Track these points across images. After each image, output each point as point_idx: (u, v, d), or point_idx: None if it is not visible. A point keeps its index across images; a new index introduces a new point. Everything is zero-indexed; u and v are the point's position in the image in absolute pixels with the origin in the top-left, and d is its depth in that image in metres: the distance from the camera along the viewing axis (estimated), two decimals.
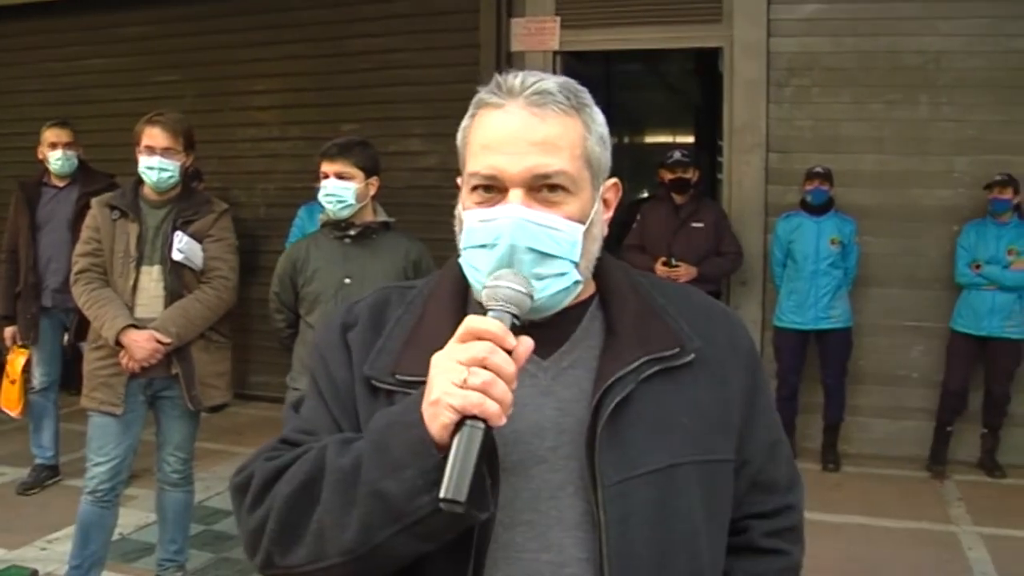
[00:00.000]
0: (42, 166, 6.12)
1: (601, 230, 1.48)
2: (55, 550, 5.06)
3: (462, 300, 1.49)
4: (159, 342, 4.18)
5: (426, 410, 1.25)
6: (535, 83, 1.40)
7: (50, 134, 6.02)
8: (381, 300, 1.56)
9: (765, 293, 7.28)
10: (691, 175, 6.96)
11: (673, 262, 6.66)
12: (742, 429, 1.52)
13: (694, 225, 6.85)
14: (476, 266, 1.40)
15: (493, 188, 1.40)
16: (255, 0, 8.50)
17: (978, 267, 6.51)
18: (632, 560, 1.36)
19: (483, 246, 1.38)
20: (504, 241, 1.36)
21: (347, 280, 4.12)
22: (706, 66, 10.20)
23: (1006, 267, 6.47)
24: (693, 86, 12.54)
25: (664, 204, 7.07)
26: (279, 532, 1.36)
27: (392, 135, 8.03)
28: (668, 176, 7.02)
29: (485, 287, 1.34)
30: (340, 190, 4.12)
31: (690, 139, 12.97)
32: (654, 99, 13.21)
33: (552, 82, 1.42)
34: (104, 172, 6.24)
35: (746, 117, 7.29)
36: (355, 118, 8.02)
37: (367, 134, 7.73)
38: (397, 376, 1.42)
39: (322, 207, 4.23)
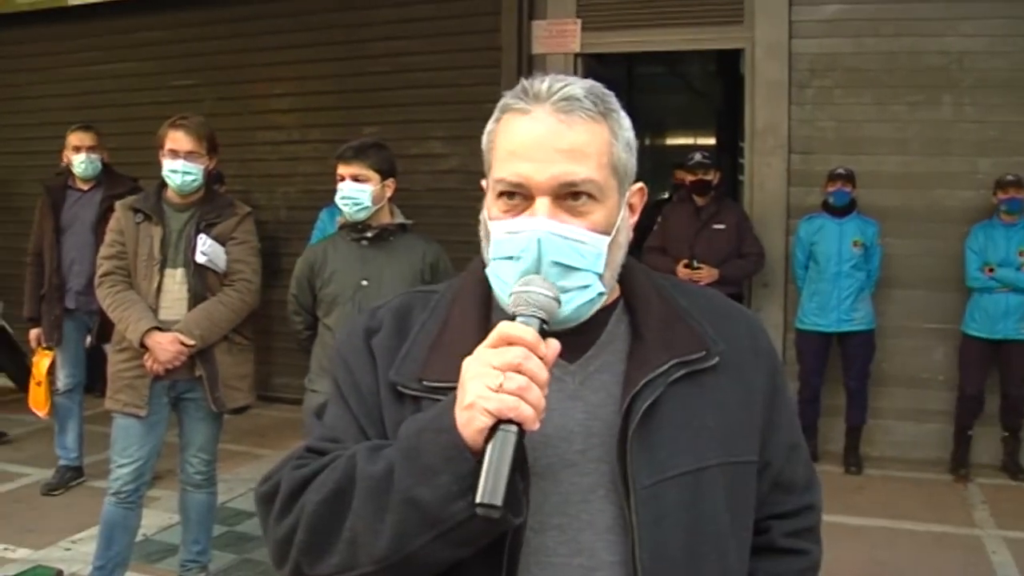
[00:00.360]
0: (67, 169, 6.16)
1: (627, 237, 1.47)
2: (79, 551, 5.08)
3: (486, 305, 1.48)
4: (183, 344, 4.20)
5: (460, 415, 1.24)
6: (562, 88, 1.39)
7: (74, 138, 6.06)
8: (404, 305, 1.55)
9: (787, 295, 7.25)
10: (711, 177, 6.93)
11: (695, 264, 6.64)
12: (764, 431, 1.52)
13: (716, 227, 6.83)
14: (503, 278, 1.38)
15: (519, 195, 1.38)
16: (274, 4, 8.53)
17: (991, 270, 6.48)
18: (665, 563, 1.36)
19: (510, 258, 1.37)
20: (530, 255, 1.35)
21: (364, 282, 4.13)
22: (728, 67, 10.18)
23: (1018, 268, 6.44)
24: (715, 88, 12.52)
25: (685, 206, 7.06)
26: (309, 541, 1.35)
27: (413, 138, 8.05)
28: (689, 178, 7.01)
29: (513, 292, 1.34)
30: (356, 192, 4.13)
31: (711, 141, 12.93)
32: (675, 101, 13.19)
33: (579, 87, 1.40)
34: (128, 176, 6.28)
35: (768, 118, 7.27)
36: (375, 121, 8.03)
37: (387, 137, 7.75)
38: (424, 382, 1.41)
39: (341, 210, 4.25)
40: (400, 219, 4.30)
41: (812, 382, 6.81)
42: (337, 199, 4.18)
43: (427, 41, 8.03)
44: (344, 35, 8.31)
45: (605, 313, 1.48)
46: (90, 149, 6.05)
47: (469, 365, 1.26)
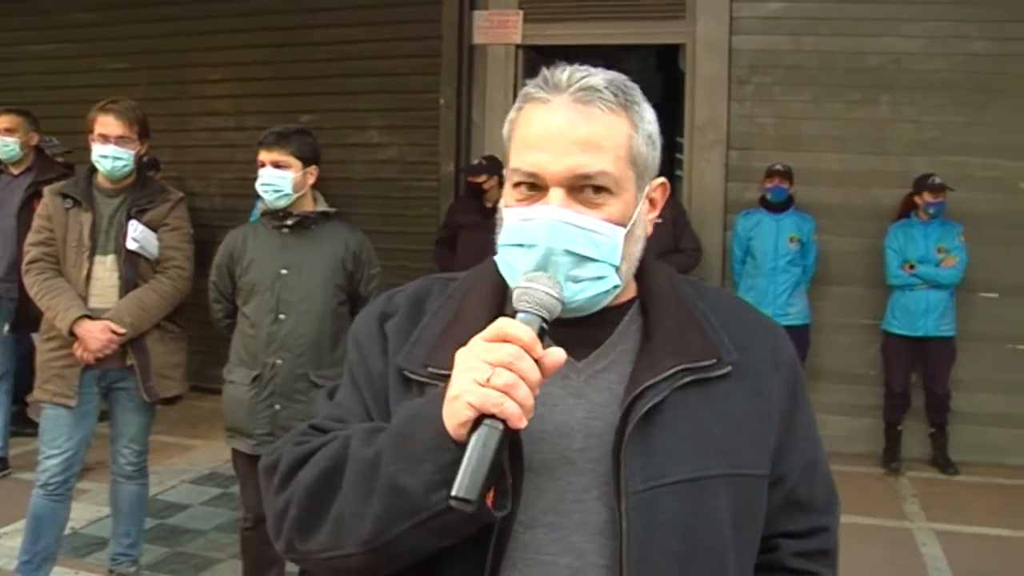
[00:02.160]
0: None
1: (645, 231, 1.46)
2: (4, 544, 4.97)
3: (500, 296, 1.45)
4: (114, 332, 4.11)
5: (445, 405, 1.24)
6: (582, 79, 1.37)
7: None
8: (422, 291, 1.55)
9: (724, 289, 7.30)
10: None
11: None
12: (779, 444, 1.48)
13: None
14: (513, 264, 1.38)
15: (534, 186, 1.37)
16: None
17: (912, 267, 6.58)
18: (653, 572, 1.33)
19: (520, 245, 1.36)
20: (541, 243, 1.33)
21: (283, 271, 4.04)
22: (668, 63, 10.22)
23: (937, 265, 6.56)
24: (654, 83, 12.56)
25: None
26: (299, 517, 1.36)
27: (351, 126, 8.00)
28: None
29: (517, 287, 1.32)
30: (276, 179, 4.01)
31: None
32: None
33: (600, 78, 1.38)
34: (62, 161, 6.13)
35: (707, 114, 7.32)
36: (314, 108, 7.95)
37: (325, 125, 7.70)
38: (429, 368, 1.40)
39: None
40: (323, 207, 4.21)
41: None
42: (257, 186, 4.07)
43: (367, 29, 7.95)
44: (283, 21, 8.21)
45: (618, 311, 1.46)
46: (7, 132, 5.90)
47: (462, 357, 1.26)
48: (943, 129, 6.96)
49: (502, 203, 1.44)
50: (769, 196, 6.85)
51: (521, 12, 7.61)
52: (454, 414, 1.22)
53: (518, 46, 7.65)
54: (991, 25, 6.84)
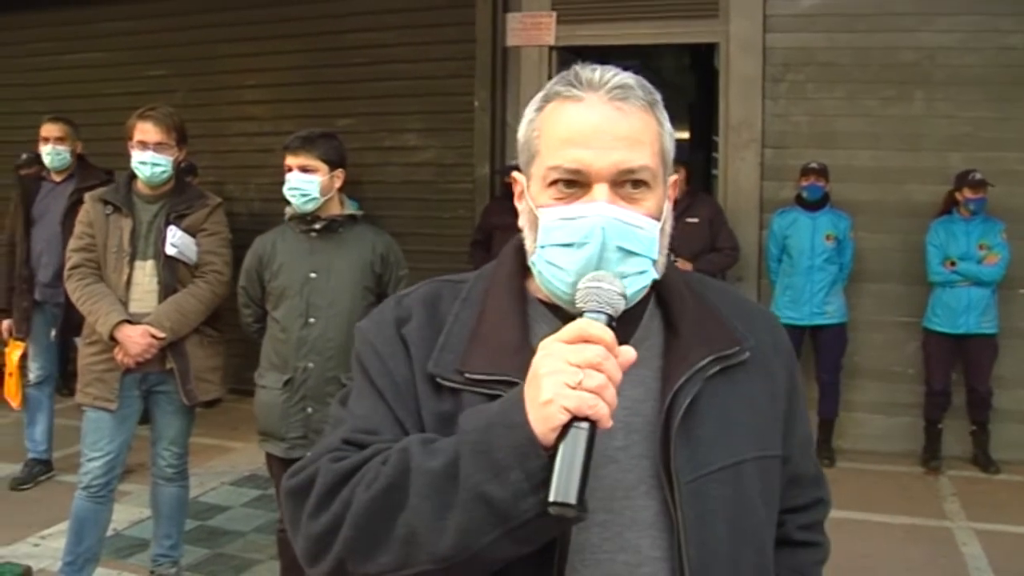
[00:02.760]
0: (34, 159, 6.12)
1: (671, 224, 1.48)
2: (48, 546, 5.04)
3: (522, 296, 1.47)
4: (153, 337, 4.16)
5: (535, 410, 1.22)
6: (614, 77, 1.39)
7: (43, 129, 6.02)
8: (432, 294, 1.53)
9: (760, 289, 7.28)
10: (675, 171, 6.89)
11: (672, 257, 6.58)
12: (786, 425, 1.54)
13: (689, 220, 6.81)
14: (559, 264, 1.38)
15: (575, 183, 1.38)
16: None
17: (952, 264, 6.53)
18: (709, 557, 1.37)
19: (569, 245, 1.36)
20: (595, 239, 1.34)
21: (312, 275, 4.05)
22: (702, 62, 10.20)
23: (979, 262, 6.50)
24: (689, 82, 12.53)
25: None
26: (357, 538, 1.31)
27: (387, 130, 8.04)
28: None
29: (581, 288, 1.32)
30: (303, 183, 4.02)
31: (685, 135, 12.95)
32: None
33: (630, 77, 1.41)
34: (102, 168, 6.21)
35: (742, 113, 7.29)
36: (349, 113, 8.01)
37: (361, 129, 7.77)
38: (465, 374, 1.39)
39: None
40: (350, 210, 4.23)
41: None
42: (285, 190, 4.08)
43: (401, 33, 7.99)
44: (318, 26, 8.25)
45: (639, 308, 1.47)
46: (57, 140, 5.99)
47: (544, 360, 1.24)
48: (978, 124, 6.89)
49: (528, 204, 1.44)
50: (805, 194, 6.81)
51: (554, 13, 7.62)
52: (548, 419, 1.20)
53: (551, 47, 7.66)
54: None
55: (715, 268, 6.89)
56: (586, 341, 1.23)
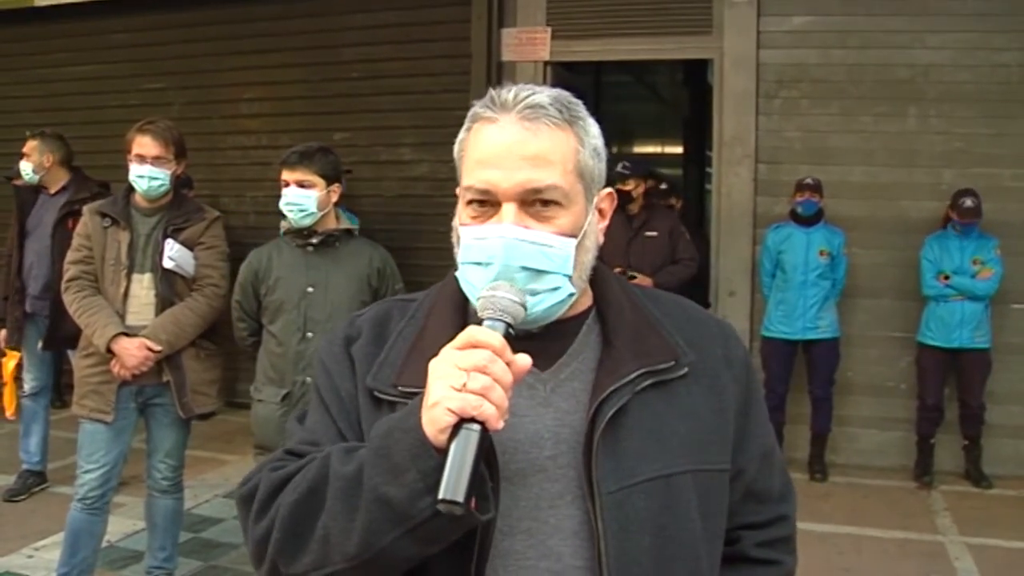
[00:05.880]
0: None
1: (595, 241, 1.50)
2: (43, 557, 5.04)
3: (462, 313, 1.50)
4: (150, 350, 4.17)
5: (424, 414, 1.27)
6: (527, 97, 1.42)
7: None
8: (383, 313, 1.59)
9: (754, 303, 7.30)
10: (631, 187, 6.95)
11: (630, 273, 6.59)
12: (736, 439, 1.55)
13: (647, 234, 6.94)
14: (472, 282, 1.42)
15: (487, 203, 1.42)
16: (245, 8, 8.49)
17: (946, 278, 6.56)
18: (631, 568, 1.39)
19: (478, 264, 1.41)
20: (497, 261, 1.38)
21: (310, 289, 4.07)
22: (696, 77, 10.25)
23: (972, 276, 6.53)
24: (682, 97, 12.59)
25: (617, 215, 7.02)
26: (283, 540, 1.38)
27: (382, 144, 8.07)
28: (621, 188, 6.90)
29: (480, 296, 1.36)
30: (300, 198, 4.06)
31: (679, 150, 13.01)
32: (644, 110, 13.26)
33: (545, 95, 1.43)
34: (98, 180, 6.23)
35: (735, 128, 7.32)
36: (345, 127, 8.05)
37: (357, 143, 7.79)
38: (400, 388, 1.44)
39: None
40: (346, 224, 4.25)
41: (777, 390, 6.84)
42: (282, 205, 4.10)
43: (397, 48, 8.02)
44: (315, 41, 8.29)
45: (577, 321, 1.51)
46: (25, 156, 6.09)
47: (435, 366, 1.29)
48: (971, 141, 6.93)
49: (456, 221, 1.48)
50: (799, 209, 6.84)
51: (549, 29, 7.65)
52: (434, 421, 1.25)
53: (547, 63, 7.69)
54: (1018, 36, 6.81)
55: (675, 280, 6.88)
56: (474, 346, 1.27)
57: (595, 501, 1.38)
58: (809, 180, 6.81)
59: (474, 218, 1.43)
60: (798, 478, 6.65)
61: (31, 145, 6.09)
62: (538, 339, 1.42)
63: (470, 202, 1.43)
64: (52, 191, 6.08)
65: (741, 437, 1.55)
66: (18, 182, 6.31)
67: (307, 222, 4.09)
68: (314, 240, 4.12)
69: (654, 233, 6.91)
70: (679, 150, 13.07)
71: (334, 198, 4.16)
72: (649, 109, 13.32)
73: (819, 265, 6.76)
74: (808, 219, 6.82)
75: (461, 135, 1.49)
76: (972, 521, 6.00)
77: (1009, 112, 6.85)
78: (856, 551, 5.52)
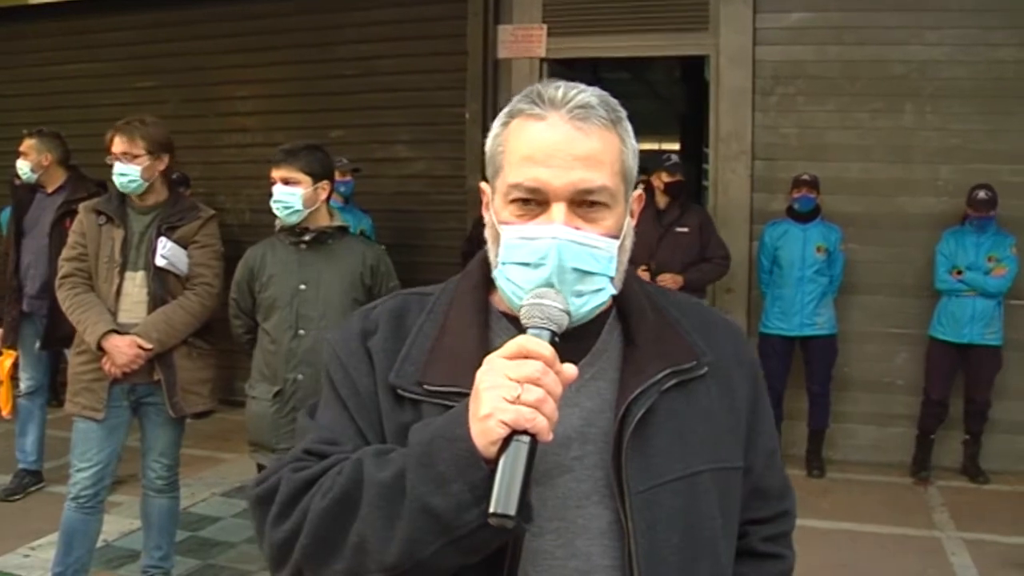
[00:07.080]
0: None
1: (631, 241, 1.49)
2: (38, 557, 5.03)
3: (484, 310, 1.49)
4: (141, 348, 4.16)
5: (475, 424, 1.24)
6: (577, 95, 1.40)
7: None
8: (399, 307, 1.55)
9: (751, 300, 7.30)
10: (668, 180, 6.88)
11: (646, 269, 6.53)
12: (747, 437, 1.56)
13: (678, 230, 6.77)
14: (517, 282, 1.39)
15: (532, 201, 1.39)
16: (239, 6, 8.48)
17: (959, 273, 6.55)
18: (660, 566, 1.39)
19: (526, 264, 1.38)
20: (551, 262, 1.35)
21: (302, 286, 4.07)
22: (692, 74, 10.24)
23: (986, 274, 6.51)
24: (679, 94, 12.58)
25: (647, 210, 6.99)
26: (313, 546, 1.35)
27: (378, 141, 8.05)
28: (667, 179, 6.84)
29: (524, 304, 1.35)
30: (286, 196, 4.05)
31: (676, 146, 13.00)
32: (640, 107, 13.18)
33: (593, 95, 1.41)
34: (95, 179, 6.21)
35: (732, 125, 7.32)
36: (341, 124, 8.03)
37: (353, 140, 7.78)
38: (424, 386, 1.42)
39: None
40: (339, 221, 4.24)
41: (775, 386, 6.81)
42: (271, 203, 4.11)
43: (393, 45, 8.01)
44: (310, 38, 8.28)
45: (599, 321, 1.49)
46: (23, 154, 6.06)
47: (485, 376, 1.26)
48: (968, 137, 6.93)
49: (491, 218, 1.46)
50: (796, 206, 6.83)
51: (545, 26, 7.64)
52: (487, 432, 1.23)
53: (542, 60, 7.69)
54: (1015, 32, 6.81)
55: (706, 279, 6.86)
56: (526, 357, 1.25)
57: (625, 501, 1.38)
58: (806, 176, 6.80)
59: (519, 216, 1.40)
60: (796, 474, 6.65)
61: (29, 144, 6.06)
62: (562, 339, 1.39)
63: (515, 200, 1.40)
64: (49, 190, 6.06)
65: (750, 436, 1.56)
66: (15, 181, 6.30)
67: (293, 219, 4.09)
68: (306, 238, 4.12)
69: (685, 229, 6.77)
70: (676, 147, 13.05)
71: (323, 195, 4.14)
72: (646, 106, 13.27)
73: (816, 261, 6.75)
74: (805, 215, 6.81)
75: (496, 130, 1.46)
76: (969, 517, 6.02)
77: (1006, 108, 6.85)
78: (853, 547, 5.52)
